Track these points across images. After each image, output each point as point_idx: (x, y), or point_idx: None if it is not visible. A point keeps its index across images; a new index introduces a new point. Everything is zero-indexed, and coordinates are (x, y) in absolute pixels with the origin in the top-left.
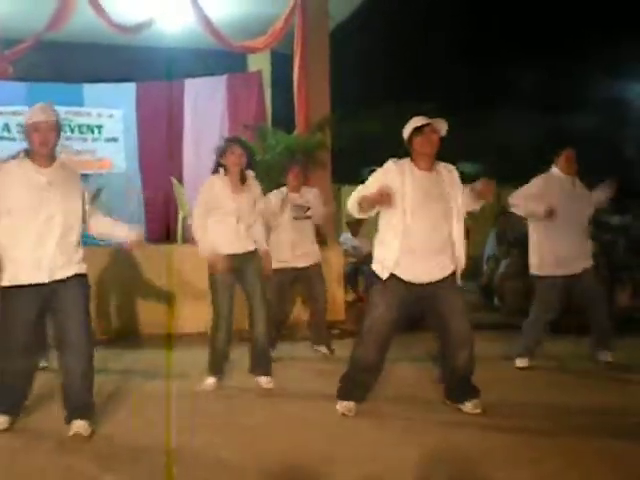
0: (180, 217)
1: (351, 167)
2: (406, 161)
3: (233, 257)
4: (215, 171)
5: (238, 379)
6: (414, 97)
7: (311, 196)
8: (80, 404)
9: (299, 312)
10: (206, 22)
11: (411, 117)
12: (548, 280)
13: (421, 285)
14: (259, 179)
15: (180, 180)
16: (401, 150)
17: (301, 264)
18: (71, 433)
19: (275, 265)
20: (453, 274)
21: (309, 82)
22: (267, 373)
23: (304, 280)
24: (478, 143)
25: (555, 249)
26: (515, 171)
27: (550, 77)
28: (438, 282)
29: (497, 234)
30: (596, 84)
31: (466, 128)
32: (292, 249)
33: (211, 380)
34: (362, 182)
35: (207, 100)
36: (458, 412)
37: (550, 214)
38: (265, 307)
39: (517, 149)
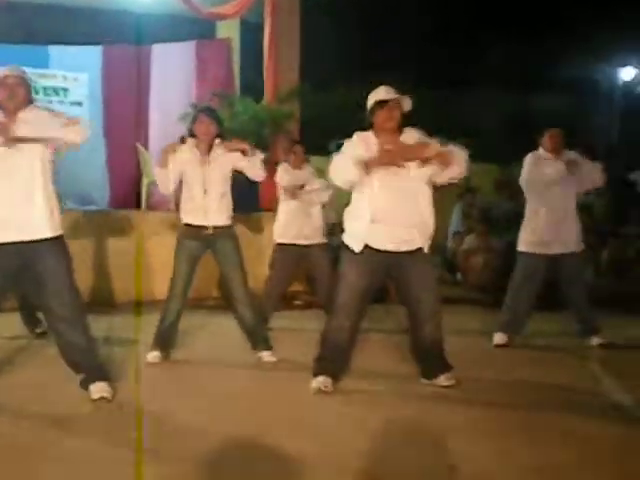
0: (144, 184)
1: (319, 138)
2: (369, 134)
3: (202, 229)
4: (183, 140)
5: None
6: (384, 69)
7: (309, 174)
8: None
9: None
10: None
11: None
12: (529, 257)
13: (392, 253)
14: None
15: (146, 146)
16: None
17: (304, 242)
18: (96, 397)
19: (279, 240)
20: (423, 249)
21: (279, 51)
22: (267, 347)
23: (307, 259)
24: (447, 121)
25: (538, 229)
26: (483, 149)
27: (519, 58)
28: (409, 253)
29: (463, 210)
30: (564, 65)
31: (435, 106)
32: (293, 226)
33: (155, 353)
34: (329, 154)
35: (175, 66)
36: (426, 386)
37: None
38: (246, 282)
39: (485, 128)
